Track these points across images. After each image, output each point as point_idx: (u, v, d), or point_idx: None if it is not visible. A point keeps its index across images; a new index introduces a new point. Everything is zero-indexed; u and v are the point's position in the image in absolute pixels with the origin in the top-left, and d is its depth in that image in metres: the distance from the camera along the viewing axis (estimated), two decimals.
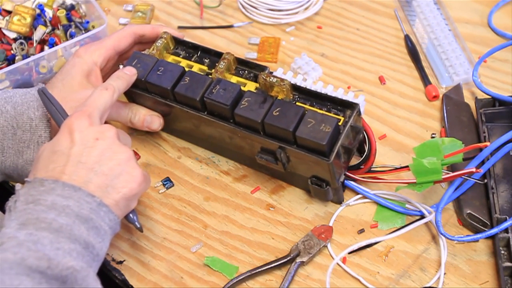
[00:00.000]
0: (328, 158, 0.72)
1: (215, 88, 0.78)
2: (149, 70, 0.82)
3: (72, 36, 0.96)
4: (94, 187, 0.66)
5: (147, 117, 0.85)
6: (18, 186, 0.66)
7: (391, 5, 1.07)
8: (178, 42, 0.87)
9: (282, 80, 0.77)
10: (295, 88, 0.79)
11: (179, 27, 1.05)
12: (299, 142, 0.74)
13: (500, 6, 1.04)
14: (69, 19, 0.97)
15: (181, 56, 0.86)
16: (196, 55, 0.86)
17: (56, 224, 0.62)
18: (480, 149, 0.76)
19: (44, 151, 0.69)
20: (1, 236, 0.61)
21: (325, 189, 0.77)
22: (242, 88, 0.80)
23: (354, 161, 0.80)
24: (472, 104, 0.89)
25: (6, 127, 0.78)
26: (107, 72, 0.90)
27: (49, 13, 0.98)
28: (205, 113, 0.80)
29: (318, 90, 0.82)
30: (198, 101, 0.79)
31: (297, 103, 0.77)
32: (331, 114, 0.76)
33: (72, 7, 1.00)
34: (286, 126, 0.73)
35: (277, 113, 0.75)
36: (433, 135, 0.88)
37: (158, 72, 0.81)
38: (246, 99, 0.77)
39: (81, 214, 0.64)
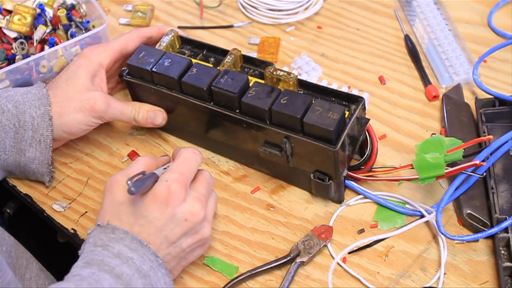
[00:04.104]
0: (335, 146, 0.72)
1: (223, 78, 0.79)
2: (156, 61, 0.82)
3: (72, 36, 0.96)
4: (170, 258, 0.70)
5: (150, 113, 0.85)
6: (90, 230, 0.69)
7: (391, 5, 1.07)
8: (184, 41, 0.88)
9: (289, 73, 0.78)
10: (301, 83, 0.79)
11: (179, 27, 1.05)
12: (306, 129, 0.74)
13: (500, 6, 1.04)
14: (69, 18, 0.97)
15: (186, 55, 0.86)
16: (201, 54, 0.86)
17: (119, 270, 0.64)
18: (480, 145, 0.76)
19: (128, 204, 0.69)
20: (67, 275, 0.65)
21: (327, 184, 0.77)
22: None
23: (355, 162, 0.81)
24: (472, 104, 0.89)
25: (8, 125, 0.78)
26: (111, 74, 0.90)
27: (49, 12, 0.98)
28: (211, 103, 0.80)
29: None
30: (205, 91, 0.79)
31: None
32: None
33: (72, 7, 1.00)
34: (294, 113, 0.74)
35: (285, 101, 0.75)
36: (433, 135, 0.88)
37: (165, 64, 0.82)
38: (253, 88, 0.77)
39: (142, 269, 0.66)
